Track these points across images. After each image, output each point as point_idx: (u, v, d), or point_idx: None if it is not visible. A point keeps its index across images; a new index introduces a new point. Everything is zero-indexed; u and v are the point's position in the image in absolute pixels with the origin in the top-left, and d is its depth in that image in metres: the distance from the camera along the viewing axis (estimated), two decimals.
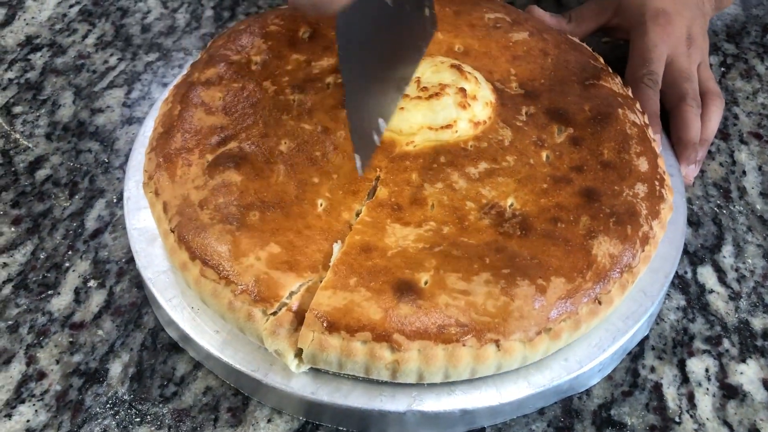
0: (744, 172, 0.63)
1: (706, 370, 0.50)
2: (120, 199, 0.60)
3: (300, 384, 0.45)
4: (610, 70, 0.61)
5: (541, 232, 0.48)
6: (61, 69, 0.74)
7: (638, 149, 0.53)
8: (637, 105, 0.58)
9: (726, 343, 0.52)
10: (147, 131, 0.59)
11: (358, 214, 0.49)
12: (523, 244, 0.47)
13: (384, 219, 0.48)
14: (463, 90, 0.53)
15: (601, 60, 0.62)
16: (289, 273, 0.46)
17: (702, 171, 0.63)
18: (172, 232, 0.49)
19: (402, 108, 0.53)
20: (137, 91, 0.71)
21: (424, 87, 0.54)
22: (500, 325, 0.43)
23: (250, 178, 0.50)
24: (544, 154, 0.53)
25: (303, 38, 0.61)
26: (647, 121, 0.57)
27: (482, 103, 0.54)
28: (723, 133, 0.66)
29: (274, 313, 0.45)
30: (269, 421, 0.47)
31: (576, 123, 0.54)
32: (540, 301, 0.44)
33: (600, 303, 0.46)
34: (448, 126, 0.52)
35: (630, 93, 0.59)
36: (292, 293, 0.45)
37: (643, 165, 0.52)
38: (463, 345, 0.43)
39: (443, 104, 0.53)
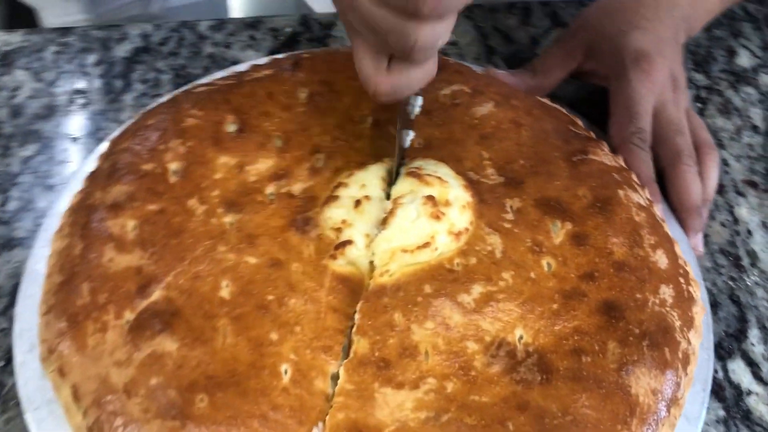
0: (749, 232, 0.58)
1: None
2: (8, 362, 0.49)
3: None
4: (593, 136, 0.55)
5: (565, 372, 0.40)
6: None
7: (652, 240, 0.47)
8: (634, 177, 0.52)
9: None
10: (38, 265, 0.48)
11: (335, 379, 0.41)
12: (548, 394, 0.40)
13: (370, 383, 0.40)
14: (431, 198, 0.46)
15: (580, 123, 0.56)
16: None
17: (705, 235, 0.58)
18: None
19: (367, 234, 0.45)
20: (15, 201, 0.60)
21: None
22: None
23: (188, 343, 0.41)
24: (544, 263, 0.46)
25: (229, 133, 0.52)
26: (649, 196, 0.51)
27: (458, 207, 0.46)
28: (718, 185, 0.61)
29: None
30: None
31: (573, 215, 0.48)
32: None
33: None
34: (426, 245, 0.45)
35: (621, 161, 0.53)
36: None
37: (661, 260, 0.46)
38: None
39: (407, 219, 0.45)
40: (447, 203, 0.46)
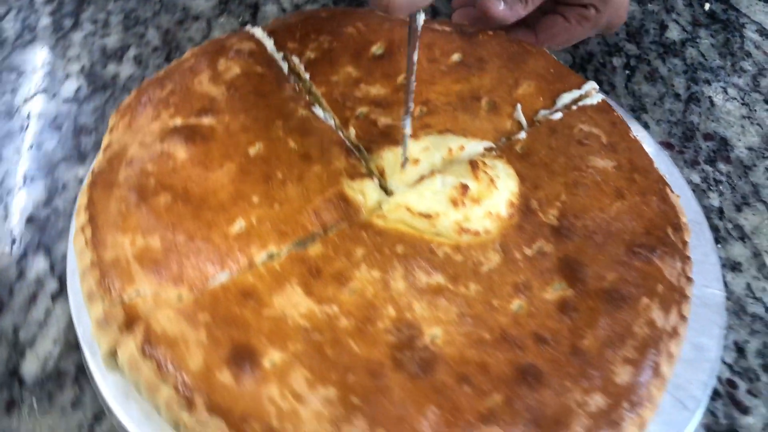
0: None
1: None
2: None
3: None
4: (686, 252, 0.55)
5: (438, 383, 0.44)
6: None
7: (630, 355, 0.47)
8: (683, 307, 0.51)
9: None
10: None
11: (271, 257, 0.49)
12: (406, 386, 0.44)
13: (292, 276, 0.48)
14: (465, 187, 0.51)
15: (686, 234, 0.56)
16: (149, 275, 0.46)
17: None
18: (92, 173, 0.52)
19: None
20: None
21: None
22: None
23: (194, 160, 0.52)
24: (516, 303, 0.49)
25: (372, 54, 0.62)
26: (680, 330, 0.50)
27: (484, 212, 0.51)
28: None
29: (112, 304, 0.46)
30: None
31: (583, 288, 0.50)
32: None
33: None
34: (428, 217, 0.50)
35: (687, 287, 0.53)
36: (138, 293, 0.46)
37: (622, 375, 0.46)
38: None
39: (431, 188, 0.51)
40: (476, 201, 0.51)
